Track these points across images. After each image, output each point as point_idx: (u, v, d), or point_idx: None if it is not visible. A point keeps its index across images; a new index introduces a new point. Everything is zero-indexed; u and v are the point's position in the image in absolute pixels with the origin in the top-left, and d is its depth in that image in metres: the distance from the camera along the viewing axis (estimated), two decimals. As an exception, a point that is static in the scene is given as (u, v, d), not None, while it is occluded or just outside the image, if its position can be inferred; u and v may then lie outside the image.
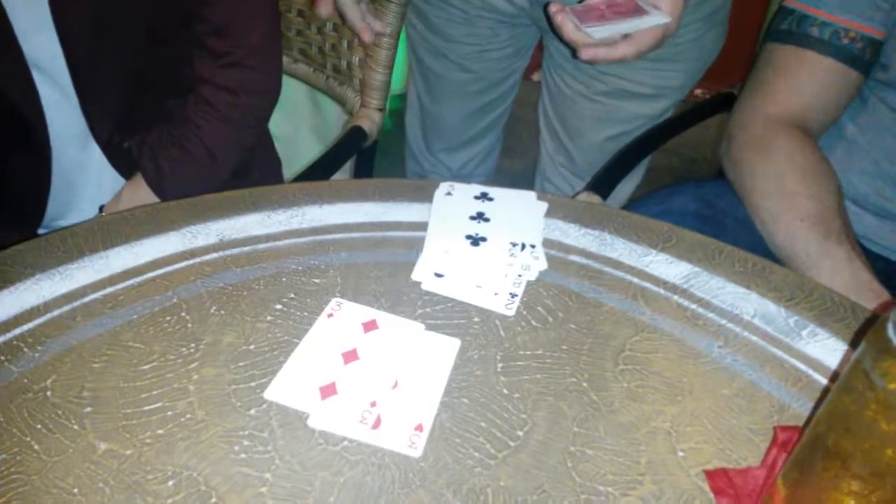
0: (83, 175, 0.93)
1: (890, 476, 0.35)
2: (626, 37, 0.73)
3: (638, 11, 0.73)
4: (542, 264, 0.61)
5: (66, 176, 0.91)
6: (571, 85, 1.08)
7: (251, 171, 0.99)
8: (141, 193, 0.90)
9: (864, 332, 0.36)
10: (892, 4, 0.81)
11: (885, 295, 0.73)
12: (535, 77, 1.98)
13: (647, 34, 0.73)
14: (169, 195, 0.89)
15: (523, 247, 0.62)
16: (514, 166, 1.57)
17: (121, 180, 0.94)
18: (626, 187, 1.19)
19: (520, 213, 0.66)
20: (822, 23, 0.83)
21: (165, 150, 0.89)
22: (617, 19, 0.72)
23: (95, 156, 0.91)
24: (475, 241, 0.63)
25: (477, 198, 0.68)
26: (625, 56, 0.74)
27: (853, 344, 0.55)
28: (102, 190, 0.95)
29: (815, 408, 0.50)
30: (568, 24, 0.73)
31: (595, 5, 0.74)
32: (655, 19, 0.72)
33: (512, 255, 0.61)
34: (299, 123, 1.57)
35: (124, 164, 0.92)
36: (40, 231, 0.94)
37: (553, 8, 0.74)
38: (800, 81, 0.85)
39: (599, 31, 0.72)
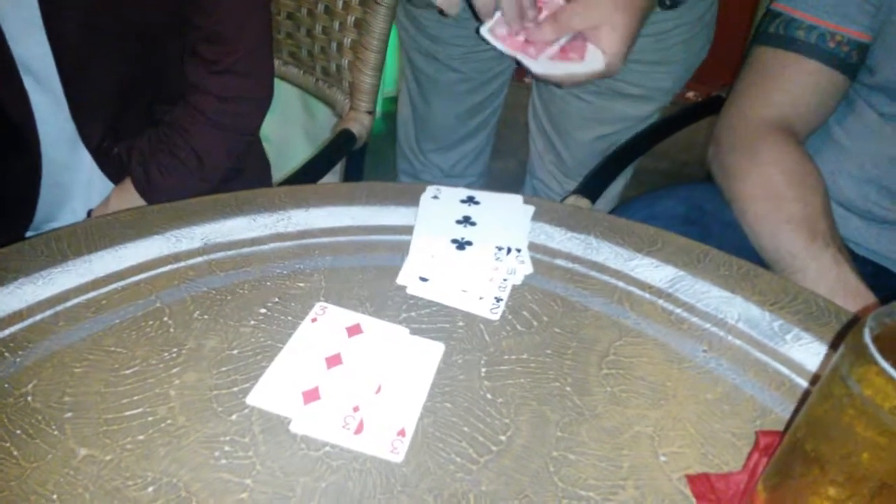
0: (73, 178, 0.93)
1: (866, 481, 0.35)
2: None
3: (579, 52, 0.72)
4: (528, 268, 0.61)
5: (55, 179, 0.91)
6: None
7: (240, 174, 0.99)
8: (130, 198, 0.90)
9: (845, 335, 0.36)
10: (877, 7, 0.81)
11: (871, 298, 0.73)
12: (527, 79, 1.98)
13: (581, 77, 0.73)
14: (157, 200, 0.89)
15: (509, 251, 0.62)
16: (505, 167, 1.57)
17: (111, 184, 0.94)
18: (616, 187, 1.19)
19: (506, 217, 0.66)
20: (808, 26, 0.83)
21: (155, 155, 0.89)
22: (560, 60, 0.72)
23: (85, 159, 0.91)
24: (461, 244, 0.62)
25: (463, 201, 0.68)
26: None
27: (833, 347, 0.55)
28: (92, 193, 0.95)
29: (796, 412, 0.50)
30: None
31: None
32: (591, 66, 0.71)
33: (498, 259, 0.61)
34: (290, 126, 1.57)
35: (114, 168, 0.92)
36: (29, 234, 0.94)
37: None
38: (787, 85, 0.85)
39: (533, 65, 0.72)
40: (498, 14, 0.73)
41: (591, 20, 0.70)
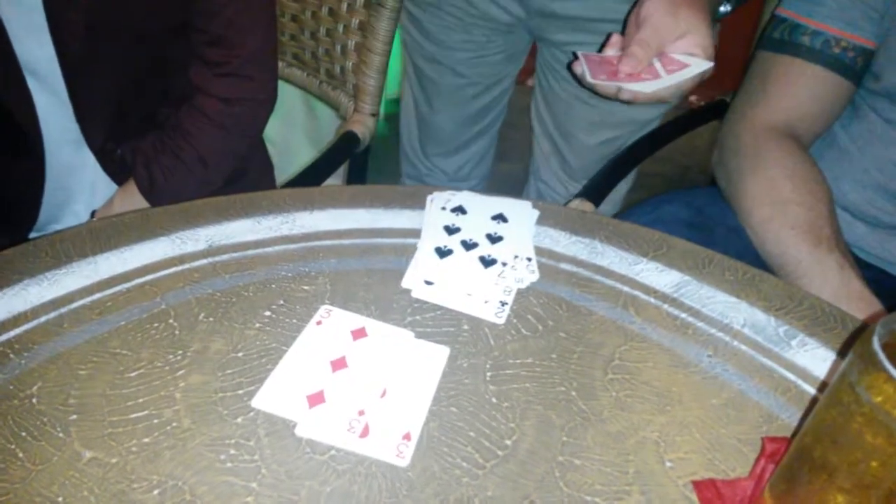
0: (77, 180, 0.93)
1: (875, 489, 0.35)
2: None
3: (678, 64, 0.74)
4: (535, 276, 0.61)
5: (59, 180, 0.91)
6: (566, 88, 1.09)
7: (243, 175, 0.99)
8: (133, 200, 0.90)
9: (853, 342, 0.36)
10: (882, 14, 0.81)
11: (875, 303, 0.73)
12: (529, 82, 1.99)
13: (690, 81, 0.75)
14: (161, 202, 0.89)
15: (517, 258, 0.61)
16: (508, 169, 1.57)
17: (114, 185, 0.94)
18: (620, 190, 1.19)
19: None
20: (813, 32, 0.84)
21: (158, 157, 0.89)
22: (662, 76, 0.73)
23: (89, 161, 0.91)
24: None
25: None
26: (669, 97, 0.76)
27: (841, 354, 0.55)
28: (96, 195, 0.95)
29: (803, 419, 0.50)
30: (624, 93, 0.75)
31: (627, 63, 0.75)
32: (697, 69, 0.73)
33: (512, 267, 0.61)
34: (293, 128, 1.57)
35: (117, 170, 0.92)
36: (33, 235, 0.94)
37: (596, 80, 0.75)
38: (791, 90, 0.85)
39: (648, 87, 0.73)
40: (582, 61, 0.76)
41: (679, 30, 0.74)
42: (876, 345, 0.33)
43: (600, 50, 0.79)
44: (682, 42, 0.74)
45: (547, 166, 1.23)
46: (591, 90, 0.77)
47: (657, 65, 0.74)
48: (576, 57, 0.78)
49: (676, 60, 0.74)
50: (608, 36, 0.78)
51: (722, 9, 0.88)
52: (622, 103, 1.05)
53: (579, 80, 0.77)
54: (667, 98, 0.76)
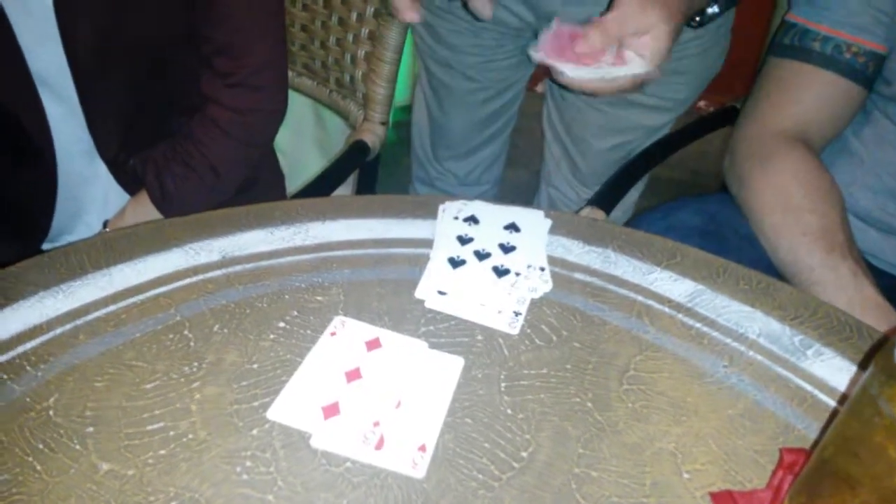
0: (89, 190, 0.93)
1: (898, 503, 0.35)
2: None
3: (621, 61, 0.72)
4: (548, 286, 0.61)
5: (71, 191, 0.91)
6: (577, 94, 1.09)
7: (254, 185, 0.99)
8: (145, 210, 0.90)
9: (873, 353, 0.35)
10: (893, 18, 0.81)
11: (890, 311, 0.72)
12: (539, 88, 1.98)
13: (622, 81, 0.72)
14: (172, 212, 0.89)
15: (530, 267, 0.61)
16: (517, 175, 1.57)
17: (126, 195, 0.94)
18: (631, 196, 1.19)
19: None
20: (824, 37, 0.83)
21: (170, 167, 0.89)
22: (597, 66, 0.71)
23: (101, 171, 0.91)
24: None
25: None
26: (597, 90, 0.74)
27: (862, 366, 0.54)
28: (109, 205, 0.95)
29: (823, 430, 0.50)
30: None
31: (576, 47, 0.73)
32: (631, 70, 0.71)
33: (525, 277, 0.61)
34: (303, 137, 1.58)
35: (129, 180, 0.92)
36: (45, 245, 0.94)
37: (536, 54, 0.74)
38: (802, 96, 0.85)
39: (576, 72, 0.71)
40: (548, 31, 0.74)
41: (642, 26, 0.71)
42: (898, 357, 0.33)
43: None
44: (640, 39, 0.71)
45: (558, 172, 1.23)
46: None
47: (609, 56, 0.71)
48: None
49: (625, 56, 0.71)
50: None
51: (710, 10, 0.86)
52: (633, 108, 1.06)
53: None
54: (597, 91, 0.73)
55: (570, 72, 0.70)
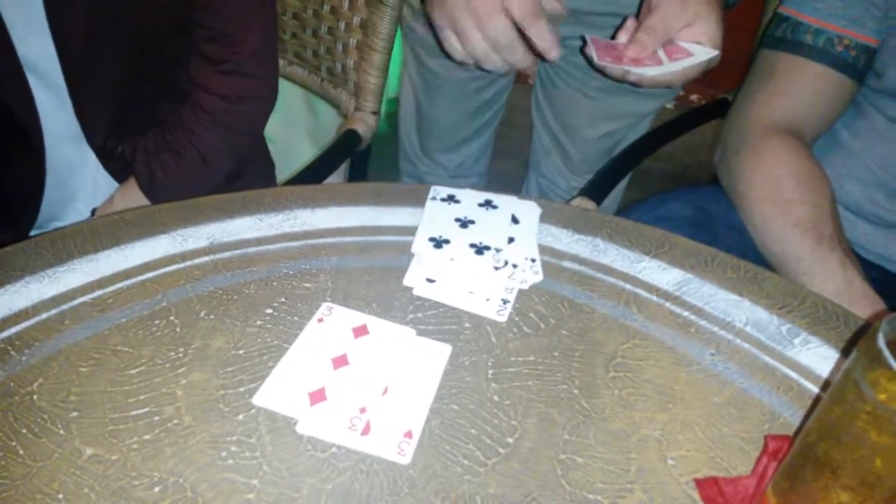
0: (78, 176, 0.93)
1: (879, 487, 0.35)
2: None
3: (683, 52, 0.74)
4: (539, 277, 0.60)
5: (60, 177, 0.91)
6: (568, 81, 1.09)
7: (244, 173, 0.99)
8: (134, 197, 0.89)
9: (856, 340, 0.36)
10: (884, 11, 0.81)
11: (878, 302, 0.73)
12: (530, 80, 1.97)
13: (695, 69, 0.75)
14: (161, 200, 0.88)
15: (525, 259, 0.61)
16: (505, 167, 1.57)
17: (115, 183, 0.93)
18: (618, 186, 1.19)
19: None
20: (815, 30, 0.83)
21: (159, 155, 0.89)
22: (667, 62, 0.74)
23: (90, 158, 0.91)
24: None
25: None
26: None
27: (845, 352, 0.55)
28: (97, 192, 0.95)
29: (806, 417, 0.50)
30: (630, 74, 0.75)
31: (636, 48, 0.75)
32: (701, 57, 0.73)
33: (514, 266, 0.60)
34: (294, 126, 1.57)
35: (118, 167, 0.92)
36: (33, 232, 0.94)
37: (602, 62, 0.75)
38: (794, 89, 0.85)
39: (651, 72, 0.74)
40: (590, 44, 0.77)
41: (687, 17, 0.73)
42: (881, 342, 0.33)
43: (614, 35, 0.79)
44: (689, 30, 0.74)
45: (548, 161, 1.23)
46: (601, 72, 0.77)
47: (661, 52, 0.74)
48: (584, 41, 0.78)
49: (682, 48, 0.74)
50: (623, 19, 0.78)
51: None
52: (625, 95, 1.06)
53: (590, 62, 0.77)
54: (673, 83, 0.75)
55: (650, 72, 0.73)
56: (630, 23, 0.77)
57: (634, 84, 0.76)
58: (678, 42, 0.75)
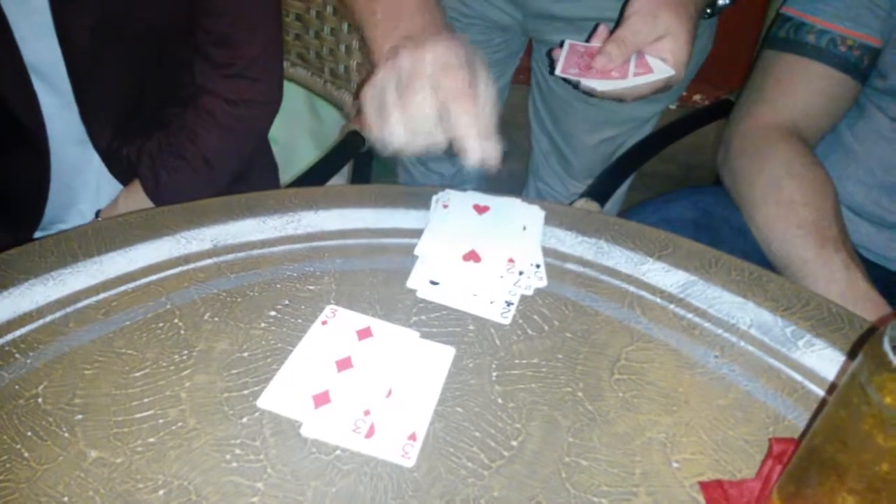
0: (82, 179, 0.93)
1: (885, 491, 0.35)
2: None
3: (646, 68, 0.74)
4: (543, 282, 0.60)
5: (64, 180, 0.91)
6: (565, 87, 1.09)
7: (247, 175, 0.99)
8: (138, 200, 0.90)
9: (862, 343, 0.35)
10: (888, 12, 0.81)
11: (882, 304, 0.72)
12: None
13: (649, 86, 0.74)
14: (165, 202, 0.89)
15: (530, 266, 0.61)
16: (506, 168, 1.57)
17: (119, 185, 0.94)
18: (621, 188, 1.19)
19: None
20: (819, 30, 0.83)
21: (163, 158, 0.89)
22: (628, 78, 0.73)
23: (94, 161, 0.91)
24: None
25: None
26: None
27: (851, 355, 0.54)
28: (101, 194, 0.95)
29: (812, 420, 0.50)
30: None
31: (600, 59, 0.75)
32: (657, 76, 0.73)
33: (520, 272, 0.60)
34: (297, 128, 1.57)
35: (122, 170, 0.92)
36: (38, 234, 0.94)
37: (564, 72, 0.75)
38: (797, 89, 0.85)
39: (602, 86, 0.73)
40: (563, 51, 0.77)
41: (657, 32, 0.72)
42: (886, 346, 0.33)
43: (588, 40, 0.79)
44: (657, 45, 0.73)
45: (546, 166, 1.23)
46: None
47: (631, 64, 0.73)
48: (561, 45, 0.78)
49: (646, 63, 0.74)
50: (595, 26, 0.78)
51: (720, 1, 0.87)
52: (620, 101, 1.06)
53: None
54: (625, 98, 0.75)
55: (600, 86, 0.72)
56: (602, 29, 0.77)
57: (590, 94, 0.75)
58: (646, 56, 0.74)
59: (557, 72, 0.75)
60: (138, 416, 0.48)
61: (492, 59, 1.15)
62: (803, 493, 0.39)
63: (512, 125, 1.37)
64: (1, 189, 0.90)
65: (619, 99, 0.75)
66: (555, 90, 1.11)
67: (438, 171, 1.32)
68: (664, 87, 0.74)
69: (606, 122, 1.10)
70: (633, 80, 0.72)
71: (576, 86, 0.75)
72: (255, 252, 0.62)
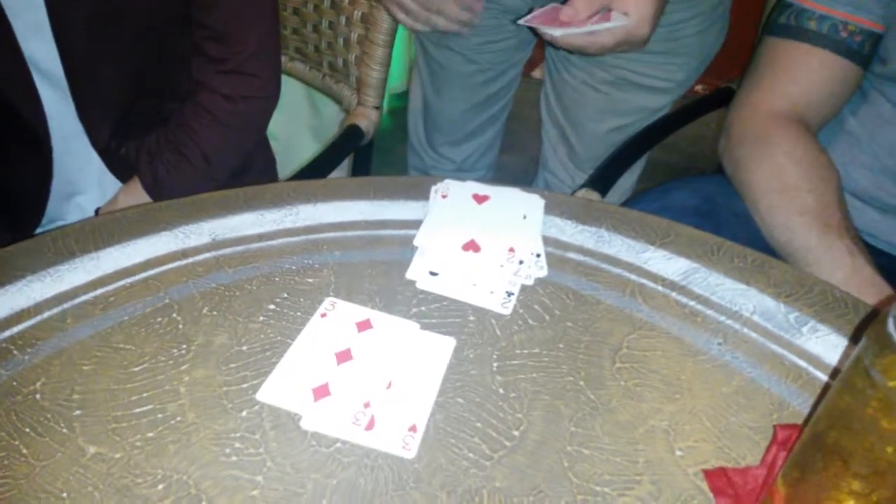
0: (83, 176, 0.93)
1: (891, 474, 0.34)
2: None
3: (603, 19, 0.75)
4: (543, 272, 0.60)
5: (66, 177, 0.91)
6: (575, 74, 1.08)
7: (246, 170, 0.99)
8: (137, 197, 0.89)
9: (865, 327, 0.35)
10: (890, -4, 0.80)
11: (887, 290, 0.72)
12: (537, 74, 1.96)
13: (606, 35, 0.75)
14: (164, 199, 0.88)
15: (530, 255, 0.61)
16: (513, 161, 1.57)
17: (120, 182, 0.93)
18: (630, 178, 1.19)
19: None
20: (820, 16, 0.82)
21: (162, 154, 0.89)
22: (578, 25, 0.74)
23: (95, 158, 0.91)
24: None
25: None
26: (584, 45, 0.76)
27: (854, 339, 0.54)
28: (104, 190, 0.95)
29: (815, 405, 0.49)
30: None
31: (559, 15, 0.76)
32: (613, 23, 0.74)
33: (520, 262, 0.60)
34: (296, 122, 1.57)
35: (122, 167, 0.92)
36: (38, 231, 0.94)
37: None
38: (798, 75, 0.84)
39: (557, 32, 0.74)
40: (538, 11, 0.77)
41: None
42: (891, 328, 0.33)
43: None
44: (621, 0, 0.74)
45: (554, 156, 1.23)
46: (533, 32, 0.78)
47: (595, 19, 0.75)
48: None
49: (608, 16, 0.75)
50: None
51: None
52: (633, 89, 1.05)
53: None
54: (585, 48, 0.76)
55: (556, 31, 0.73)
56: None
57: (553, 45, 0.76)
58: (612, 10, 0.75)
59: (521, 21, 0.76)
60: (137, 410, 0.48)
61: (504, 46, 1.15)
62: (808, 479, 0.39)
63: (518, 118, 1.37)
64: (2, 185, 0.90)
65: (581, 52, 0.77)
66: (566, 78, 1.11)
67: (448, 156, 1.32)
68: (629, 41, 0.75)
69: (615, 111, 1.10)
70: (589, 27, 0.73)
71: (536, 33, 0.77)
72: (254, 245, 0.62)
